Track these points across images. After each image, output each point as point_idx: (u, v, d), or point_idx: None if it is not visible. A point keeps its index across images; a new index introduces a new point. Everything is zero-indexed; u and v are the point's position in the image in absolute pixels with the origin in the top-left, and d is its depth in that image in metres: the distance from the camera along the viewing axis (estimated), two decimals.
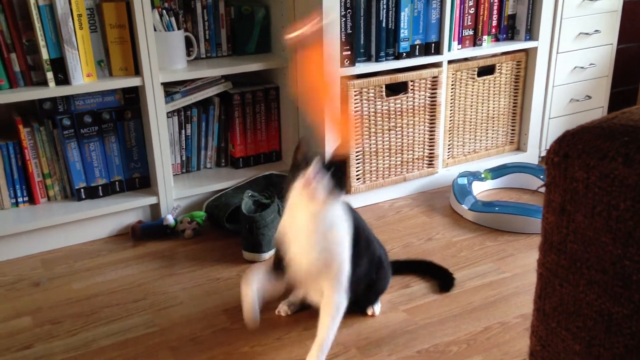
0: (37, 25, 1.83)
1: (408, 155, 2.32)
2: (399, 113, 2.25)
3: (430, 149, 2.36)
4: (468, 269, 1.88)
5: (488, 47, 2.39)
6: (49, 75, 1.88)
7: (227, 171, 2.31)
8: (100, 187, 2.08)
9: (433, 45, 2.25)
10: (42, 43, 1.85)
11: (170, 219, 2.06)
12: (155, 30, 1.98)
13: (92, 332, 1.61)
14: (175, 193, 2.14)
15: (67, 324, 1.64)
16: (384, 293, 1.68)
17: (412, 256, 1.94)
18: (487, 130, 2.50)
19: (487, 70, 2.42)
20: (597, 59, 2.62)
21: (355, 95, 2.12)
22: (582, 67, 2.59)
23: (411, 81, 2.22)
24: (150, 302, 1.73)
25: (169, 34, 2.06)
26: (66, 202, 2.07)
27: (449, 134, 2.41)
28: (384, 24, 2.15)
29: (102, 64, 1.97)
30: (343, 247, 1.44)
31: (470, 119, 2.44)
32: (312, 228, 1.39)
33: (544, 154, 2.63)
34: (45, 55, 1.86)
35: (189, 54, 2.15)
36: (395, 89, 2.24)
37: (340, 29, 2.04)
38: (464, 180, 2.30)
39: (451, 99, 2.36)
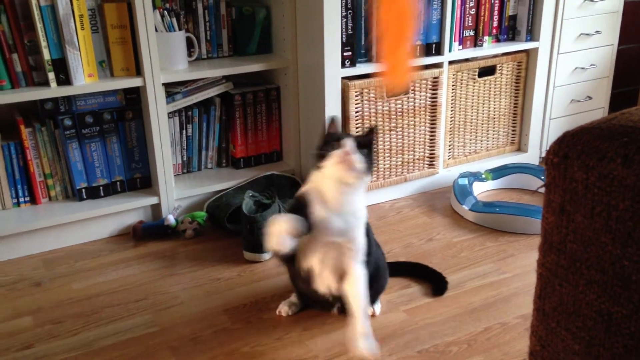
0: (39, 25, 1.83)
1: (409, 155, 2.33)
2: (400, 113, 2.25)
3: (431, 150, 2.37)
4: (468, 269, 1.88)
5: (489, 48, 2.39)
6: (51, 75, 1.88)
7: (228, 171, 2.32)
8: (101, 187, 2.09)
9: (434, 45, 2.25)
10: (43, 43, 1.85)
11: (171, 219, 2.07)
12: (156, 30, 1.98)
13: (93, 332, 1.61)
14: (176, 193, 2.14)
15: (68, 324, 1.64)
16: (382, 293, 1.69)
17: (413, 257, 1.94)
18: (487, 130, 2.51)
19: (488, 71, 2.42)
20: (597, 59, 2.62)
21: (356, 96, 2.13)
22: (582, 68, 2.59)
23: (412, 82, 2.22)
24: (151, 302, 1.74)
25: (170, 34, 2.06)
26: (67, 202, 2.07)
27: (450, 134, 2.41)
28: None
29: (103, 65, 1.97)
30: (362, 225, 1.49)
31: (471, 119, 2.44)
32: (341, 200, 1.42)
33: (544, 154, 2.62)
34: (46, 55, 1.87)
35: (190, 55, 2.16)
36: None
37: (341, 30, 2.05)
38: (464, 181, 2.30)
39: (452, 100, 2.36)
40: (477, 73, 2.38)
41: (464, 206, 2.19)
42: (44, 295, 1.78)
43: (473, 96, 2.41)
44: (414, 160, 2.35)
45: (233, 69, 2.14)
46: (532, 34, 2.44)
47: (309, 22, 2.08)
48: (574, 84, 2.61)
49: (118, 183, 2.12)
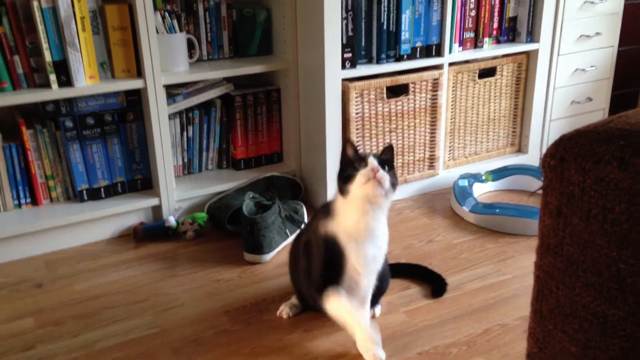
0: (40, 27, 1.84)
1: (409, 157, 2.33)
2: (400, 115, 2.25)
3: (431, 151, 2.37)
4: (468, 270, 1.89)
5: (489, 49, 2.39)
6: (52, 77, 1.89)
7: (229, 173, 2.32)
8: (102, 189, 2.09)
9: (434, 47, 2.26)
10: (45, 45, 1.86)
11: (172, 220, 2.07)
12: (157, 32, 1.99)
13: (94, 333, 1.61)
14: (177, 194, 2.15)
15: (69, 325, 1.65)
16: (384, 295, 1.69)
17: (413, 258, 1.95)
18: (488, 132, 2.51)
19: (488, 72, 2.42)
20: (598, 61, 2.63)
21: (356, 97, 2.13)
22: (583, 70, 2.59)
23: (412, 83, 2.23)
24: (152, 303, 1.74)
25: (171, 36, 2.07)
26: (68, 203, 2.08)
27: (450, 135, 2.41)
28: (385, 26, 2.15)
29: (104, 66, 1.98)
30: (387, 242, 1.48)
31: (471, 120, 2.45)
32: (372, 226, 1.41)
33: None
34: (48, 57, 1.87)
35: (191, 56, 2.16)
36: (396, 91, 2.24)
37: (342, 31, 2.05)
38: (464, 182, 2.30)
39: (452, 101, 2.37)
40: (477, 74, 2.39)
41: (464, 207, 2.19)
42: (46, 297, 1.78)
43: (473, 97, 2.42)
44: (414, 161, 2.35)
45: (234, 70, 2.14)
46: (533, 35, 2.45)
47: (310, 24, 2.09)
48: (574, 85, 2.61)
49: (119, 184, 2.12)
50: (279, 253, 1.99)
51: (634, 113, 0.82)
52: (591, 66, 2.61)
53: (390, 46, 2.19)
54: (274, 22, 2.27)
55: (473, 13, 2.32)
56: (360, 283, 1.45)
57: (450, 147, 2.43)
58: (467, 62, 2.36)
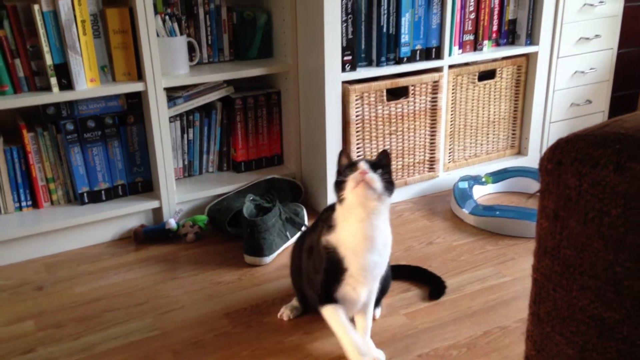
0: (41, 31, 1.85)
1: (409, 159, 2.34)
2: (400, 117, 2.26)
3: (431, 153, 2.38)
4: (468, 273, 1.89)
5: (489, 52, 2.40)
6: (53, 80, 1.90)
7: (229, 175, 2.33)
8: (103, 192, 2.10)
9: (434, 50, 2.26)
10: (46, 49, 1.87)
11: (172, 222, 2.08)
12: (158, 35, 2.00)
13: (95, 335, 1.62)
14: (177, 197, 2.15)
15: (70, 328, 1.65)
16: (385, 296, 1.69)
17: (413, 260, 1.95)
18: (487, 134, 2.51)
19: (487, 75, 2.43)
20: (597, 63, 2.63)
21: (356, 100, 2.14)
22: (582, 72, 2.60)
23: (412, 86, 2.23)
24: (152, 305, 1.75)
25: (171, 39, 2.07)
26: (69, 206, 2.08)
27: (450, 138, 2.42)
28: (384, 29, 2.16)
29: (105, 69, 1.99)
30: (390, 247, 1.47)
31: (471, 123, 2.45)
32: (372, 234, 1.39)
33: None
34: (49, 60, 1.88)
35: (191, 59, 2.17)
36: (396, 94, 2.25)
37: (342, 34, 2.06)
38: (464, 184, 2.31)
39: (452, 104, 2.37)
40: (477, 77, 2.39)
41: (464, 210, 2.20)
42: (46, 299, 1.79)
43: (473, 100, 2.42)
44: (414, 163, 2.36)
45: (234, 73, 2.15)
46: (532, 38, 2.45)
47: (310, 27, 2.10)
48: (574, 87, 2.61)
49: (119, 187, 2.13)
50: (279, 255, 1.99)
51: (630, 117, 0.82)
52: (591, 68, 2.61)
53: (390, 49, 2.19)
54: (274, 25, 2.28)
55: (472, 16, 2.33)
56: (360, 292, 1.45)
57: (450, 149, 2.44)
58: (466, 64, 2.36)
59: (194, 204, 2.20)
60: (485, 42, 2.40)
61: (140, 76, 2.01)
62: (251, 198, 2.03)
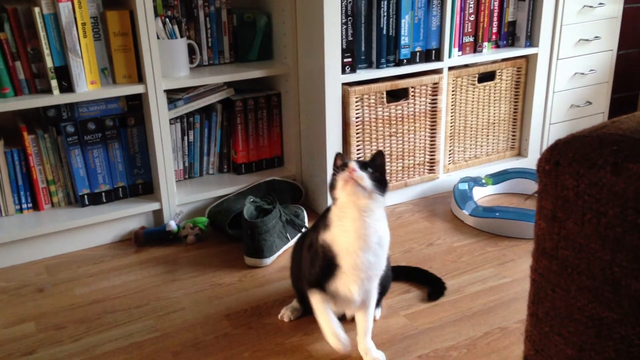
0: (42, 33, 1.85)
1: (409, 160, 2.34)
2: (400, 119, 2.26)
3: (431, 155, 2.38)
4: (468, 274, 1.89)
5: (488, 54, 2.40)
6: (53, 83, 1.90)
7: (229, 177, 2.33)
8: (103, 194, 2.10)
9: (433, 51, 2.27)
10: (46, 51, 1.87)
11: (172, 224, 2.08)
12: (158, 38, 2.00)
13: (96, 337, 1.62)
14: (177, 199, 2.16)
15: (71, 330, 1.65)
16: (385, 296, 1.69)
17: (413, 262, 1.95)
18: (487, 135, 2.52)
19: (487, 77, 2.43)
20: (597, 65, 2.63)
21: (356, 102, 2.14)
22: (582, 73, 2.60)
23: (412, 87, 2.24)
24: (153, 307, 1.75)
25: (172, 41, 2.08)
26: (70, 208, 2.09)
27: (450, 139, 2.42)
28: (384, 31, 2.16)
29: (105, 72, 1.99)
30: (387, 250, 1.47)
31: (471, 124, 2.46)
32: (366, 233, 1.40)
33: None
34: (49, 63, 1.89)
35: (191, 62, 2.17)
36: (396, 96, 2.25)
37: (341, 36, 2.06)
38: (464, 186, 2.31)
39: (452, 105, 2.38)
40: (476, 79, 2.40)
41: (464, 211, 2.20)
42: (47, 301, 1.79)
43: (473, 101, 2.42)
44: (414, 165, 2.36)
45: (234, 75, 2.15)
46: (532, 39, 2.46)
47: (310, 29, 2.10)
48: (574, 89, 2.62)
49: (120, 189, 2.13)
50: (279, 257, 2.00)
51: (627, 118, 0.83)
52: (590, 70, 2.62)
53: (390, 51, 2.20)
54: (274, 27, 2.29)
55: (472, 17, 2.33)
56: (353, 290, 1.45)
57: (450, 150, 2.44)
58: (466, 66, 2.37)
59: (194, 205, 2.20)
60: (485, 43, 2.40)
61: (140, 78, 2.01)
62: (251, 200, 2.04)
